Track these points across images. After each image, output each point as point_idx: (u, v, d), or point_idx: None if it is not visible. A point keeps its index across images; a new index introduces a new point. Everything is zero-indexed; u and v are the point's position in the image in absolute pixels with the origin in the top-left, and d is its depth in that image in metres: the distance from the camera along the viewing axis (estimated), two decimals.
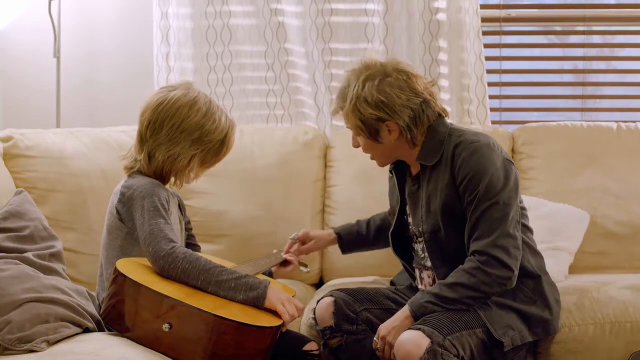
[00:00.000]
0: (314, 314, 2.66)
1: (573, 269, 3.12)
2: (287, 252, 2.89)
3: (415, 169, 2.63)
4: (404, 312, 2.46)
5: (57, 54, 3.58)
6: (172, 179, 2.56)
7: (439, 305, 2.42)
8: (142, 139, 2.50)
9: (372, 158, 2.63)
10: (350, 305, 2.60)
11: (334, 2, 3.54)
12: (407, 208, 2.66)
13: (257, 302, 2.29)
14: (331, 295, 2.63)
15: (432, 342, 2.31)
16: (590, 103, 3.86)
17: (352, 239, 2.93)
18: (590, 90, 3.86)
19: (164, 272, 2.29)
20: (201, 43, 3.60)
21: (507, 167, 2.50)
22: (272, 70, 3.61)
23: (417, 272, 2.69)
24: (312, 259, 3.19)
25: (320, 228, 3.31)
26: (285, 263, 2.88)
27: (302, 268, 2.95)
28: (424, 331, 2.33)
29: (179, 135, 2.47)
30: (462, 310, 2.43)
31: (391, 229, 2.72)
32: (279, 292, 2.33)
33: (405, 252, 2.73)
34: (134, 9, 3.73)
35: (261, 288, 2.29)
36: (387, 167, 3.24)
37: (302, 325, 2.75)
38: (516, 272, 2.45)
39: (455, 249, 2.51)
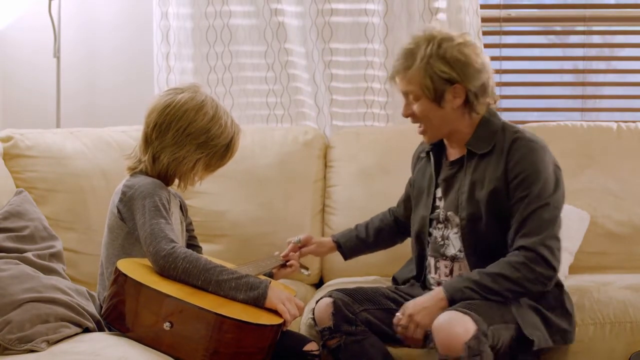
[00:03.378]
0: (313, 314, 2.65)
1: (573, 269, 3.12)
2: (287, 255, 2.87)
3: (454, 154, 2.62)
4: (437, 294, 2.44)
5: (57, 54, 3.58)
6: (177, 181, 2.56)
7: (478, 293, 2.41)
8: (147, 141, 2.50)
9: (422, 132, 2.60)
10: (349, 306, 2.59)
11: (334, 2, 3.54)
12: (439, 191, 2.65)
13: (258, 302, 2.29)
14: (330, 296, 2.62)
15: (478, 329, 2.29)
16: (590, 103, 3.86)
17: (352, 245, 2.92)
18: (590, 90, 3.86)
19: (165, 272, 2.29)
20: (201, 43, 3.60)
21: (558, 173, 2.54)
22: (272, 70, 3.61)
23: (431, 261, 2.67)
24: (312, 260, 3.18)
25: (321, 228, 3.31)
26: (285, 264, 2.88)
27: (303, 271, 2.94)
28: (472, 317, 2.31)
29: (185, 139, 2.47)
30: (499, 303, 2.41)
31: (427, 213, 2.67)
32: (279, 291, 2.34)
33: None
34: (134, 9, 3.73)
35: (262, 288, 2.30)
36: (387, 166, 3.24)
37: (301, 326, 2.74)
38: (557, 275, 2.47)
39: (491, 239, 2.51)
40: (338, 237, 2.94)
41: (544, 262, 2.43)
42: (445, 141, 2.65)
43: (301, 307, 2.40)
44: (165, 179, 2.52)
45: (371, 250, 2.97)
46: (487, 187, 2.51)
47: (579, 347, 2.62)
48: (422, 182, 2.72)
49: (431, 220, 2.66)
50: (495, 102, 2.61)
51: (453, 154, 2.64)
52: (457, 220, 2.59)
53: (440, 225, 2.64)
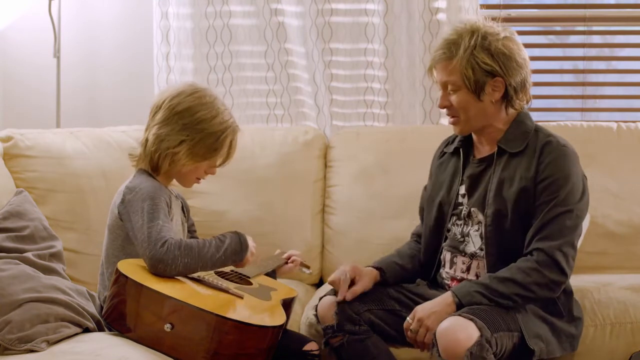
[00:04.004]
0: (316, 311, 2.65)
1: (573, 269, 3.12)
2: (344, 296, 2.58)
3: (483, 152, 2.62)
4: (446, 298, 2.43)
5: (57, 54, 3.58)
6: (165, 179, 2.56)
7: (487, 297, 2.40)
8: (147, 127, 2.54)
9: (454, 122, 2.59)
10: (352, 305, 2.58)
11: (334, 2, 3.54)
12: (462, 188, 2.64)
13: (240, 263, 2.51)
14: (334, 294, 2.62)
15: (481, 335, 2.28)
16: (590, 103, 3.86)
17: (394, 272, 2.70)
18: (590, 90, 3.85)
19: (166, 274, 2.30)
20: (201, 43, 3.60)
21: (584, 182, 2.55)
22: (272, 70, 3.61)
23: (447, 255, 2.66)
24: (312, 260, 3.19)
25: (321, 228, 3.31)
26: (287, 262, 2.87)
27: (304, 270, 2.94)
28: (476, 323, 2.30)
29: (172, 117, 2.48)
30: (504, 310, 2.40)
31: (447, 207, 2.64)
32: (251, 244, 2.52)
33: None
34: (134, 9, 3.73)
35: (243, 251, 2.47)
36: (387, 167, 3.24)
37: (302, 325, 2.75)
38: (567, 282, 2.47)
39: (513, 238, 2.51)
40: (381, 264, 2.71)
41: (556, 267, 2.43)
42: (475, 138, 2.64)
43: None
44: (156, 166, 2.51)
45: (411, 277, 2.74)
46: (516, 185, 2.51)
47: (580, 347, 2.61)
48: (443, 176, 2.70)
49: (451, 216, 2.65)
50: (528, 101, 2.60)
51: (482, 151, 2.63)
52: (479, 217, 2.58)
53: (459, 222, 2.63)
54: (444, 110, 2.62)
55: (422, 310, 2.43)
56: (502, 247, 2.53)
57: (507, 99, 2.54)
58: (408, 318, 2.45)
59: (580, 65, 3.84)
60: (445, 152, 2.74)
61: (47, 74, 3.65)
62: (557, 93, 3.91)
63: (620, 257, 3.20)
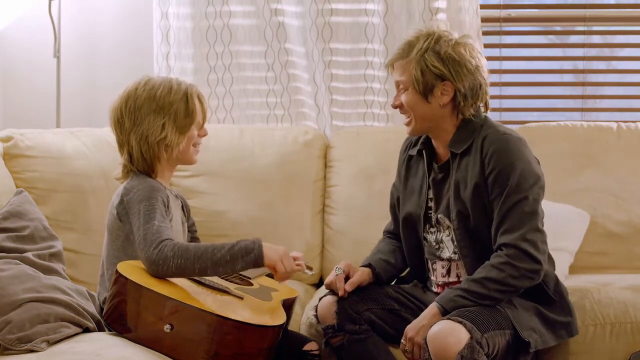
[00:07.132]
0: (316, 311, 2.65)
1: (573, 269, 3.13)
2: (343, 289, 2.62)
3: (443, 158, 2.62)
4: (431, 310, 2.43)
5: (57, 54, 3.58)
6: (166, 170, 2.56)
7: (469, 300, 2.40)
8: (119, 143, 2.55)
9: (407, 123, 2.60)
10: (352, 305, 2.58)
11: (334, 2, 3.54)
12: (430, 192, 2.64)
13: (258, 263, 2.31)
14: (334, 294, 2.62)
15: (471, 337, 2.29)
16: (590, 103, 3.86)
17: (383, 267, 2.72)
18: (590, 90, 3.86)
19: (160, 275, 2.29)
20: (201, 43, 3.60)
21: (535, 165, 2.52)
22: (272, 70, 3.61)
23: (429, 263, 2.67)
24: (312, 260, 3.19)
25: (321, 228, 3.31)
26: None
27: (307, 271, 2.93)
28: (465, 325, 2.30)
29: (139, 113, 2.50)
30: (493, 309, 2.40)
31: (419, 211, 2.64)
32: (275, 248, 2.35)
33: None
34: (134, 9, 3.73)
35: (257, 248, 2.31)
36: (387, 167, 3.24)
37: (302, 325, 2.75)
38: (544, 267, 2.46)
39: (482, 236, 2.51)
40: (369, 261, 2.73)
41: (527, 257, 2.42)
42: (433, 142, 2.64)
43: (297, 257, 2.46)
44: (151, 167, 2.52)
45: (399, 273, 2.79)
46: (469, 185, 2.50)
47: (580, 347, 2.62)
48: (414, 181, 2.70)
49: (424, 224, 2.65)
50: (486, 108, 2.59)
51: (441, 157, 2.62)
52: (447, 222, 2.58)
53: (433, 230, 2.63)
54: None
55: (411, 328, 2.44)
56: (474, 248, 2.53)
57: (455, 104, 2.53)
58: (402, 340, 2.46)
59: (580, 65, 3.84)
60: (411, 156, 2.73)
61: (47, 74, 3.65)
62: (557, 93, 3.91)
63: (620, 257, 3.20)
